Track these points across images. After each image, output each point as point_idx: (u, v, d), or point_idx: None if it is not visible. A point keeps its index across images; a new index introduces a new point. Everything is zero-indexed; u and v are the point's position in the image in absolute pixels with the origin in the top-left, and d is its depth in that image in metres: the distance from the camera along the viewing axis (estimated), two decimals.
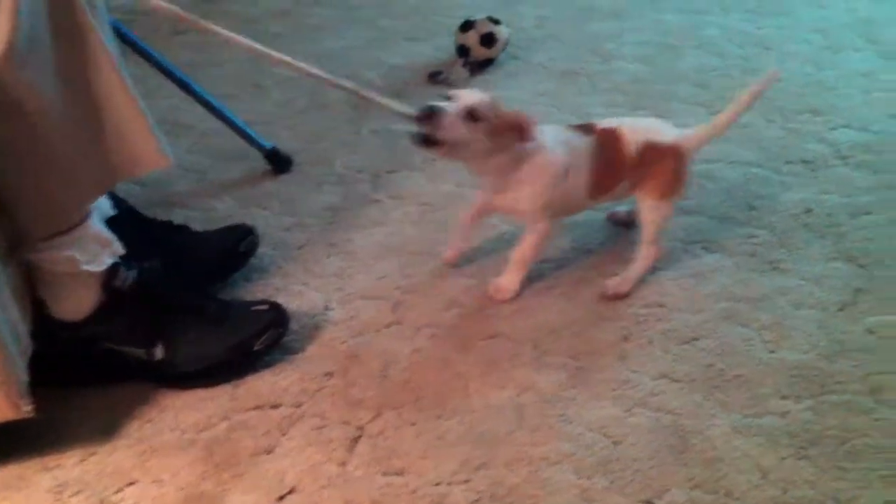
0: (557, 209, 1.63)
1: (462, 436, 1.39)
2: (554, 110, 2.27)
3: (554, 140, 1.57)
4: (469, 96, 1.49)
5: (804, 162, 1.99)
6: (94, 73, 1.37)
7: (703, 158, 2.01)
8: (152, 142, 1.46)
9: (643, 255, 1.67)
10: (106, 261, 1.46)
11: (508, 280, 1.67)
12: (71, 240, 1.39)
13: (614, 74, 2.45)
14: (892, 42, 2.48)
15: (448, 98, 1.49)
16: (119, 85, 1.40)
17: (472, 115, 1.46)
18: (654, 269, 1.69)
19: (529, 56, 2.57)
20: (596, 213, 1.86)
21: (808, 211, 1.83)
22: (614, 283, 1.66)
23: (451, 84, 2.39)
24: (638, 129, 1.63)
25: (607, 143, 1.60)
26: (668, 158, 1.61)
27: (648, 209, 1.64)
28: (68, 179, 1.35)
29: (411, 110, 1.49)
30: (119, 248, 1.49)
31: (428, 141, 1.47)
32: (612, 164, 1.60)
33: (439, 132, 1.45)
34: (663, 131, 1.64)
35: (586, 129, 1.63)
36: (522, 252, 1.65)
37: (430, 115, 1.45)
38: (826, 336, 1.53)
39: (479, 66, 2.47)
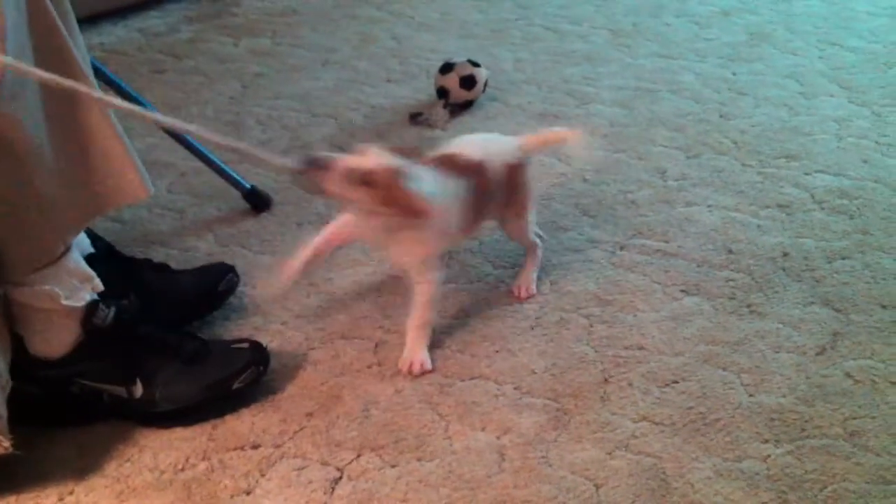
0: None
1: (443, 478, 1.38)
2: None
3: (435, 190, 1.50)
4: (372, 158, 1.42)
5: (780, 206, 2.02)
6: (77, 105, 1.38)
7: (684, 202, 2.04)
8: (134, 173, 1.46)
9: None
10: (85, 297, 1.45)
11: (414, 351, 1.60)
12: (51, 274, 1.38)
13: (592, 118, 2.47)
14: (863, 89, 2.53)
15: (358, 152, 1.43)
16: (101, 116, 1.40)
17: (365, 180, 1.41)
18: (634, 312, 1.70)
19: (508, 98, 2.59)
20: (576, 254, 1.87)
21: (786, 255, 1.85)
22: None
23: (432, 125, 2.41)
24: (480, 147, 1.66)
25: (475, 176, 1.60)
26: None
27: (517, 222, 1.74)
28: (51, 212, 1.35)
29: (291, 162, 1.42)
30: (98, 285, 1.48)
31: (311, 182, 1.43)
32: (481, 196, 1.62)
33: (323, 183, 1.41)
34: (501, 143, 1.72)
35: (457, 167, 1.59)
36: (419, 317, 1.61)
37: (312, 165, 1.40)
38: (805, 380, 1.54)
39: (459, 108, 2.49)
